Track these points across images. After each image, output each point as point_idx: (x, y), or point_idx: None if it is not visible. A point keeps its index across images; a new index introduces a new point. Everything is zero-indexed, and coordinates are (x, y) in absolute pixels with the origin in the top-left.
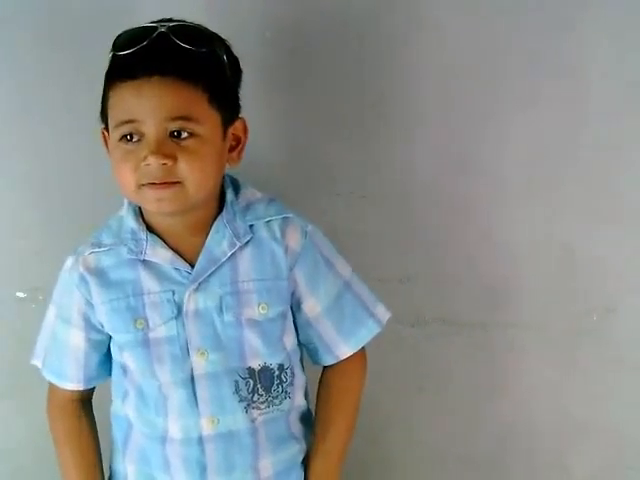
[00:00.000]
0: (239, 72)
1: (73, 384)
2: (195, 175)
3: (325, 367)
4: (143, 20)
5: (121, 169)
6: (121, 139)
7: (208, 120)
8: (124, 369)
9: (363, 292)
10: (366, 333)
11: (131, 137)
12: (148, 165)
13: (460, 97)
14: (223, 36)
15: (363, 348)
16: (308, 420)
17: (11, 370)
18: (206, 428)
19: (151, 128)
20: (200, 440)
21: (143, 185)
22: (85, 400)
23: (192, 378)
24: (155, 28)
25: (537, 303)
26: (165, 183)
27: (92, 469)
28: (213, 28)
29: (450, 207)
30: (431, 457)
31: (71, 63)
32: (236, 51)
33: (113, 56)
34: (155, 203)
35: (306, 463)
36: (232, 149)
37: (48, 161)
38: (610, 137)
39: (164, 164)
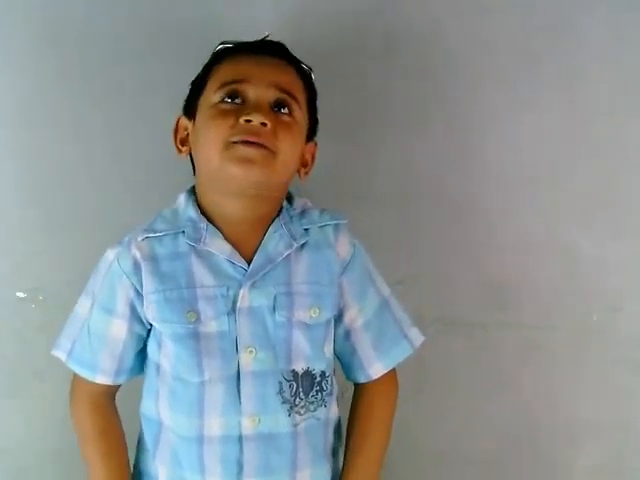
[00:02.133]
0: None
1: (104, 377)
2: (287, 151)
3: (358, 385)
4: (137, 23)
5: (213, 126)
6: (222, 101)
7: (302, 113)
8: (157, 369)
9: (399, 312)
10: (399, 353)
11: (232, 99)
12: (249, 122)
13: (462, 98)
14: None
15: (394, 369)
16: (339, 434)
17: (11, 370)
18: (247, 427)
19: (258, 90)
20: (240, 439)
21: (235, 143)
22: (112, 396)
23: (238, 375)
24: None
25: (539, 303)
26: (260, 144)
27: (122, 467)
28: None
29: (451, 207)
30: (431, 457)
31: (71, 63)
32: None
33: (223, 49)
34: (243, 165)
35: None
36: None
37: (48, 161)
38: (612, 137)
39: (264, 124)
